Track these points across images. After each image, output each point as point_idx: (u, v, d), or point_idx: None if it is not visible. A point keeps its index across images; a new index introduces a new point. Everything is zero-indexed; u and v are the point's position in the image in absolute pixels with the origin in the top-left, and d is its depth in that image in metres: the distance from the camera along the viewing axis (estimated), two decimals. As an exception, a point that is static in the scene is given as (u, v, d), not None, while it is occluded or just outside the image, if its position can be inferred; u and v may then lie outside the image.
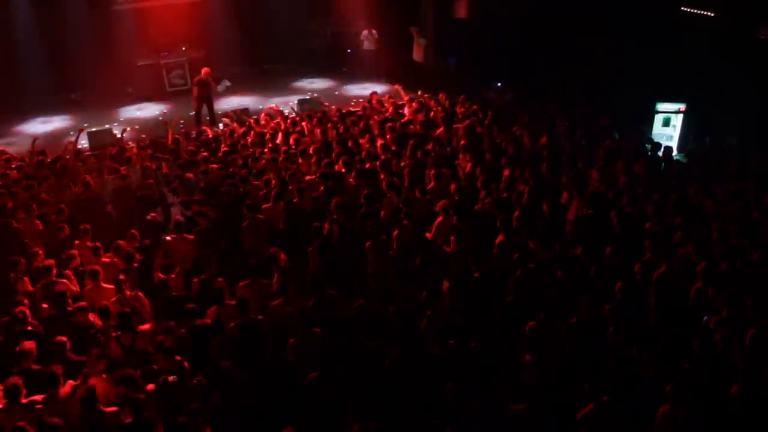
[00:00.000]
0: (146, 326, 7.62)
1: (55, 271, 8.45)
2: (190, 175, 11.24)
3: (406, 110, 14.26)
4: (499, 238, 8.65)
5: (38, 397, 6.34)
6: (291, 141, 12.66)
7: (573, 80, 14.78)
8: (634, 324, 6.92)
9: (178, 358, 6.82)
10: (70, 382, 6.57)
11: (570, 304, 7.27)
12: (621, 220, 8.91)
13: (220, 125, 15.67)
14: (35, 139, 13.01)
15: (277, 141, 12.86)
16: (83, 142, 14.48)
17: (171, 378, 6.60)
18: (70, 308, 7.75)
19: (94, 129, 15.79)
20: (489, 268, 8.06)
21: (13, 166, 12.37)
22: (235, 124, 14.63)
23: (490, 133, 12.34)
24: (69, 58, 18.94)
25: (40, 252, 8.93)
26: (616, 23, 14.90)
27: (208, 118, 16.62)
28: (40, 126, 17.12)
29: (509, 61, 16.83)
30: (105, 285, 8.37)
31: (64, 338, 7.14)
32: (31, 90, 18.67)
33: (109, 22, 19.37)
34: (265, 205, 9.94)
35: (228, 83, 19.84)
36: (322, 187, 10.33)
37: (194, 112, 16.66)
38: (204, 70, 16.60)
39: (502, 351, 6.86)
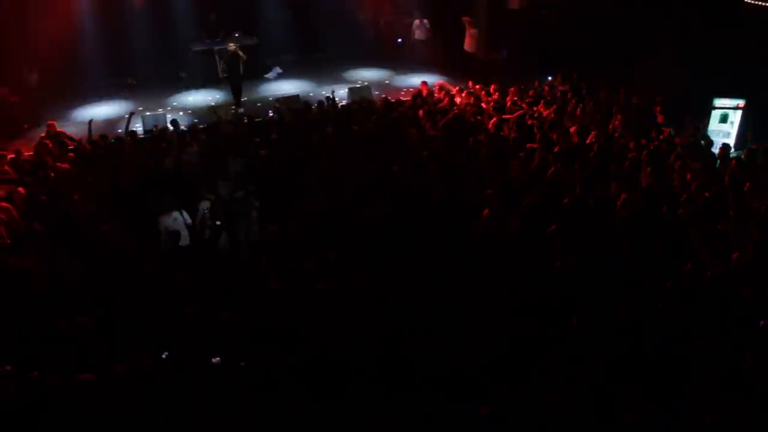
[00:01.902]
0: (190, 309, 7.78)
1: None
2: (239, 160, 11.39)
3: (457, 101, 14.18)
4: (551, 228, 8.56)
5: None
6: (339, 129, 12.70)
7: (628, 73, 14.50)
8: (682, 325, 6.78)
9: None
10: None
11: (615, 300, 7.17)
12: (671, 218, 8.73)
13: (270, 113, 15.80)
14: (91, 121, 13.31)
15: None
16: (137, 126, 14.77)
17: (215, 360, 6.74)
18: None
19: (148, 113, 16.12)
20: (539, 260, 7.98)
21: (70, 147, 12.70)
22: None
23: (541, 126, 12.20)
24: (126, 43, 19.35)
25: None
26: (674, 15, 14.56)
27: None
28: (97, 110, 17.48)
29: (563, 54, 16.58)
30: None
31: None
32: (90, 74, 19.10)
33: (165, 8, 19.72)
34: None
35: (279, 70, 20.05)
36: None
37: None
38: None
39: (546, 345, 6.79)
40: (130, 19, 19.40)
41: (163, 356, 6.86)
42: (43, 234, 9.40)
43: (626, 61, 14.80)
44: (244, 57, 17.06)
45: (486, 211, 9.10)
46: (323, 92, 16.12)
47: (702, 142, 11.51)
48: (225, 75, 17.75)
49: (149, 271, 8.45)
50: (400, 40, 21.17)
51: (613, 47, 15.42)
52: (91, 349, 6.92)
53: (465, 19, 18.75)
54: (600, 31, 16.03)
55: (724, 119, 13.66)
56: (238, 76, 17.09)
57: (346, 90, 17.36)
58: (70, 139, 13.15)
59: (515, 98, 14.06)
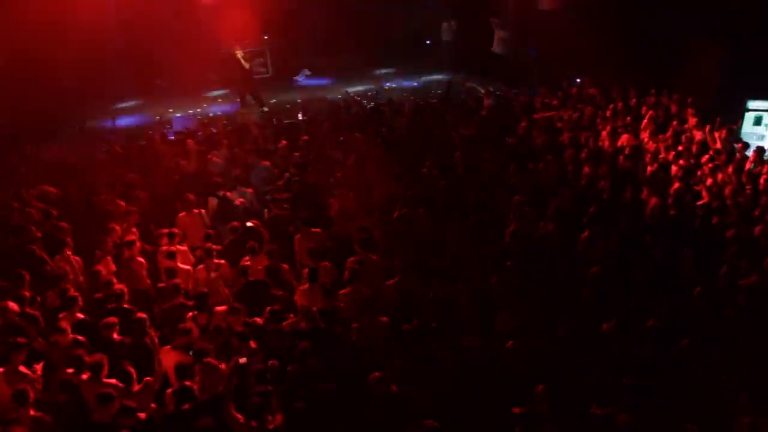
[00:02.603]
0: (222, 308, 7.82)
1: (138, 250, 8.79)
2: (266, 162, 11.44)
3: (485, 102, 14.13)
4: (584, 235, 8.47)
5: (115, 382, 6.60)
6: (368, 131, 12.70)
7: (659, 76, 14.32)
8: (716, 332, 6.66)
9: (252, 343, 6.98)
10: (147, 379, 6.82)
11: (648, 306, 7.06)
12: (704, 223, 8.58)
13: (299, 115, 15.85)
14: (115, 122, 13.45)
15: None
16: (167, 127, 14.93)
17: (242, 360, 6.76)
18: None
19: (177, 114, 16.29)
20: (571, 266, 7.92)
21: (104, 149, 12.87)
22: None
23: (570, 128, 12.10)
24: (157, 44, 19.55)
25: (118, 229, 9.29)
26: (706, 15, 14.34)
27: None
28: (128, 110, 17.68)
29: (593, 55, 16.44)
30: (182, 265, 8.66)
31: (144, 314, 7.41)
32: (120, 75, 19.33)
33: (194, 10, 19.90)
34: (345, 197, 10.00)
35: (308, 72, 20.12)
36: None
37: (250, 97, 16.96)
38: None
39: (576, 349, 6.72)
40: (159, 20, 19.60)
41: (190, 353, 6.92)
42: (69, 232, 9.53)
43: (658, 63, 14.61)
44: (248, 65, 17.10)
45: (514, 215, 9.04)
46: (351, 94, 16.13)
47: (736, 145, 11.30)
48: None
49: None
50: (428, 41, 21.12)
51: (644, 49, 15.24)
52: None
53: (493, 20, 18.65)
54: (631, 33, 15.85)
55: (758, 122, 13.39)
56: (251, 81, 17.11)
57: (374, 92, 17.37)
58: (103, 139, 13.34)
59: (544, 100, 13.97)
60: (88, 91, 18.25)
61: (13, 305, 7.66)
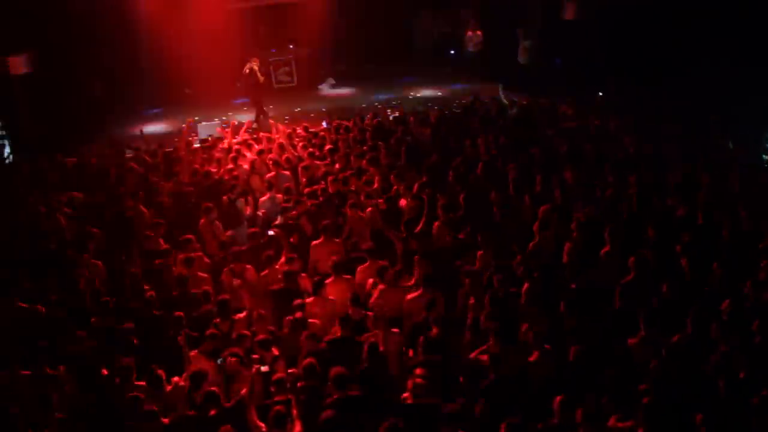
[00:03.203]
0: (242, 314, 7.88)
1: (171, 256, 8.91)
2: (286, 172, 11.50)
3: (509, 112, 14.11)
4: (605, 249, 8.40)
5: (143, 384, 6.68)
6: (392, 141, 12.72)
7: (684, 83, 14.21)
8: (743, 345, 6.57)
9: (275, 350, 7.03)
10: (175, 379, 6.87)
11: (674, 319, 6.99)
12: (732, 235, 8.47)
13: (324, 123, 15.91)
14: (141, 130, 13.60)
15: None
16: (194, 135, 15.09)
17: (264, 368, 6.81)
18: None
19: (204, 122, 16.46)
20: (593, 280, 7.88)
21: (128, 156, 13.04)
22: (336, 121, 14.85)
23: (593, 139, 12.04)
24: (184, 53, 19.80)
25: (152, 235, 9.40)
26: (731, 23, 14.23)
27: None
28: (155, 118, 17.89)
29: (617, 64, 16.39)
30: (201, 274, 8.75)
31: (181, 313, 7.51)
32: (149, 83, 19.60)
33: (222, 21, 20.13)
34: (368, 207, 10.02)
35: (333, 81, 20.24)
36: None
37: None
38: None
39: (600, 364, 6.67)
40: (188, 30, 19.85)
41: (218, 362, 6.98)
42: (100, 237, 9.68)
43: (682, 71, 14.50)
44: (262, 78, 17.21)
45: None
46: (375, 104, 16.17)
47: (765, 155, 11.18)
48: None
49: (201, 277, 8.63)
50: (453, 51, 21.15)
51: (668, 56, 15.15)
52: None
53: (518, 30, 18.63)
54: (655, 41, 15.79)
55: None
56: (259, 93, 17.22)
57: (399, 101, 17.43)
58: (130, 147, 13.53)
59: (569, 109, 13.92)
60: (118, 98, 18.57)
61: (41, 308, 7.81)
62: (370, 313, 7.72)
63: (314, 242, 9.29)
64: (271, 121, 15.91)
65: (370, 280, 8.33)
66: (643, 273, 7.75)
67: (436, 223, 9.21)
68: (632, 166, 10.74)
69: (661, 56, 15.42)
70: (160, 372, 6.69)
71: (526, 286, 7.72)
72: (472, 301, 7.69)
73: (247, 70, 16.91)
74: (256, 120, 16.94)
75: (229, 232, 9.81)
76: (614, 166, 10.66)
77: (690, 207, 9.18)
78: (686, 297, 7.34)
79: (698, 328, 6.75)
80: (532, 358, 6.72)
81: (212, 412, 6.17)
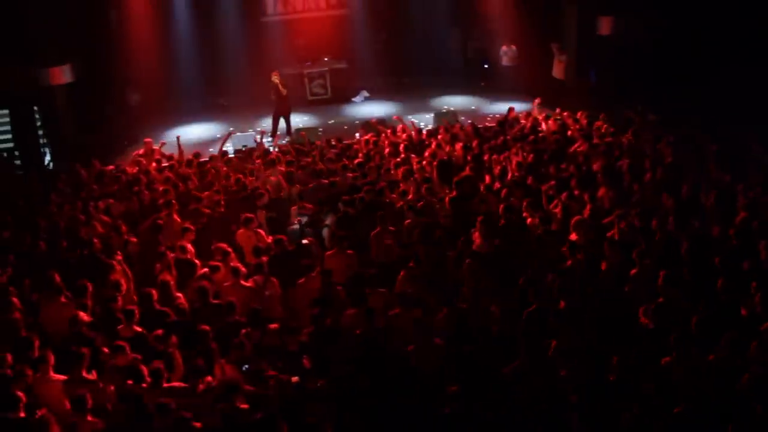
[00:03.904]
0: (275, 325, 7.91)
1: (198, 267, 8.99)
2: (324, 181, 11.58)
3: (543, 127, 14.03)
4: (633, 271, 8.28)
5: (177, 384, 6.74)
6: (426, 154, 12.73)
7: (722, 101, 14.02)
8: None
9: (306, 362, 7.04)
10: (207, 378, 6.93)
11: (709, 340, 6.88)
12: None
13: (357, 135, 15.99)
14: (179, 137, 13.77)
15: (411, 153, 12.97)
16: (229, 145, 15.26)
17: (294, 378, 6.83)
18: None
19: (238, 133, 16.67)
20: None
21: (164, 164, 13.22)
22: (369, 134, 14.91)
23: (629, 154, 11.91)
24: (220, 64, 20.11)
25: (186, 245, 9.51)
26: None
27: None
28: (190, 128, 18.12)
29: (655, 80, 16.24)
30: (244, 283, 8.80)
31: (207, 327, 7.55)
32: (185, 94, 19.89)
33: (258, 32, 20.43)
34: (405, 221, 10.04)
35: (366, 94, 20.36)
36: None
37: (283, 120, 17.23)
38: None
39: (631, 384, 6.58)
40: (224, 41, 20.15)
41: (244, 369, 7.01)
42: (135, 246, 9.83)
43: (721, 89, 14.31)
44: (285, 91, 17.34)
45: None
46: (408, 117, 16.17)
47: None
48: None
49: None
50: (486, 65, 21.15)
51: (706, 74, 14.98)
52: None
53: (553, 45, 18.57)
54: (693, 57, 15.62)
55: None
56: (286, 106, 17.36)
57: (432, 115, 17.46)
58: (165, 156, 13.71)
59: (603, 125, 13.81)
60: (154, 108, 18.88)
61: (83, 315, 7.93)
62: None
63: (328, 252, 9.36)
64: (303, 133, 16.06)
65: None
66: (676, 292, 7.64)
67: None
68: (667, 183, 10.63)
69: (698, 70, 15.23)
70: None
71: (562, 304, 7.67)
72: (497, 313, 7.68)
73: (277, 84, 17.14)
74: (287, 129, 17.08)
75: (269, 239, 9.89)
76: (649, 183, 10.54)
77: (725, 226, 9.02)
78: (722, 317, 7.22)
79: (735, 348, 6.62)
80: (562, 374, 6.66)
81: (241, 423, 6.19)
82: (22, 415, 6.34)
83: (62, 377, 6.99)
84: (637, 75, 16.98)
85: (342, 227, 9.96)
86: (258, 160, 13.00)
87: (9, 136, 16.26)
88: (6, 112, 16.23)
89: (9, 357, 7.07)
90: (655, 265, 8.15)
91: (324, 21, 20.92)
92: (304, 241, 9.78)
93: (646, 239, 8.86)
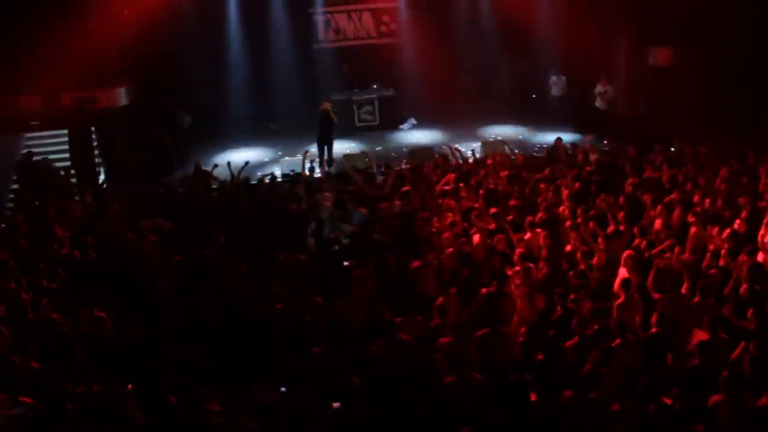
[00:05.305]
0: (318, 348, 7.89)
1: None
2: (363, 210, 11.63)
3: (592, 158, 13.87)
4: (684, 306, 8.10)
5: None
6: (472, 182, 12.67)
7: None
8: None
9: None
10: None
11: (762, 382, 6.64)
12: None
13: (403, 164, 16.00)
14: (229, 163, 14.01)
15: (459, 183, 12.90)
16: (276, 170, 15.45)
17: (336, 404, 6.78)
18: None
19: (287, 158, 16.89)
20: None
21: (215, 186, 13.44)
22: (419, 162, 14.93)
23: (681, 188, 11.68)
24: (271, 89, 20.46)
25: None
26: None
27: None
28: (239, 152, 18.38)
29: (706, 112, 15.99)
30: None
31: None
32: (236, 118, 20.27)
33: (309, 59, 20.76)
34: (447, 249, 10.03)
35: (414, 122, 20.44)
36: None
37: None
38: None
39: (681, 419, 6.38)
40: (275, 67, 20.52)
41: (282, 390, 7.00)
42: (179, 265, 9.96)
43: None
44: (335, 119, 17.47)
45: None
46: (457, 145, 16.16)
47: None
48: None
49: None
50: (534, 95, 21.07)
51: (758, 105, 14.67)
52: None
53: (601, 76, 18.38)
54: (748, 89, 15.33)
55: None
56: (330, 134, 17.46)
57: (479, 144, 17.43)
58: (215, 178, 13.94)
59: (654, 157, 13.59)
60: (205, 130, 19.28)
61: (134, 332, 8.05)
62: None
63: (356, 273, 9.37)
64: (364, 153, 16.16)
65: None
66: (721, 331, 7.44)
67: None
68: (720, 218, 10.40)
69: (750, 101, 14.94)
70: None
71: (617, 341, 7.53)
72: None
73: (329, 111, 17.36)
74: (329, 158, 17.19)
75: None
76: (701, 217, 10.31)
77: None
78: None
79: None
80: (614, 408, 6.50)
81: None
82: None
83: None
84: (690, 106, 16.73)
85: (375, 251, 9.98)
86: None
87: (66, 155, 16.75)
88: (65, 132, 16.76)
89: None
90: (707, 300, 7.96)
91: (374, 49, 21.20)
92: (346, 263, 9.82)
93: (696, 274, 8.64)
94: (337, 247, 10.36)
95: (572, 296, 8.41)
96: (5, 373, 7.22)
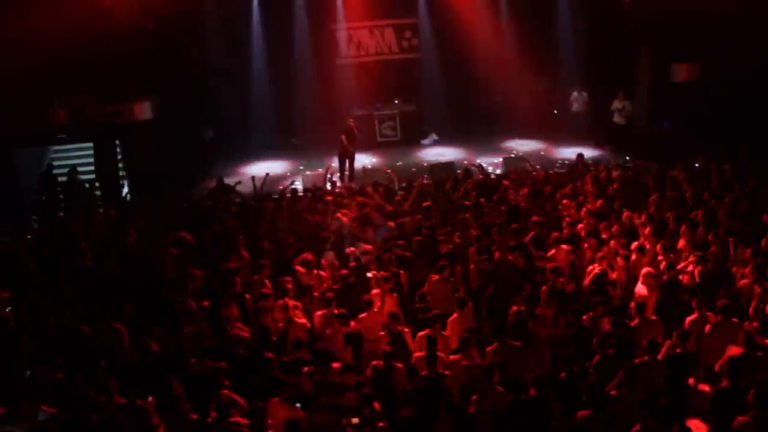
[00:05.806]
0: (337, 364, 7.91)
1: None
2: (391, 223, 11.65)
3: (613, 175, 13.78)
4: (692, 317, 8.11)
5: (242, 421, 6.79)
6: (495, 198, 12.65)
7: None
8: None
9: (376, 405, 7.00)
10: None
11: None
12: None
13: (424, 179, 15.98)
14: (254, 177, 14.10)
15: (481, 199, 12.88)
16: (298, 184, 15.52)
17: (354, 420, 6.79)
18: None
19: (308, 172, 16.98)
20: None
21: (236, 200, 13.54)
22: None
23: (705, 206, 11.58)
24: (293, 104, 20.62)
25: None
26: None
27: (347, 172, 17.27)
28: (261, 165, 18.50)
29: (729, 129, 15.87)
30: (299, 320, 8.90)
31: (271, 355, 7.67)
32: (258, 132, 20.43)
33: (331, 74, 20.88)
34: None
35: (435, 137, 20.48)
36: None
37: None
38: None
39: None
40: (297, 82, 20.68)
41: (297, 406, 7.01)
42: (199, 279, 10.01)
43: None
44: (357, 136, 17.56)
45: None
46: (477, 161, 16.15)
47: None
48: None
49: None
50: (556, 111, 21.02)
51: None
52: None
53: (619, 91, 18.32)
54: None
55: None
56: (353, 151, 17.52)
57: (501, 159, 17.41)
58: (235, 192, 14.05)
59: (677, 174, 13.50)
60: (227, 144, 19.45)
61: (154, 345, 8.11)
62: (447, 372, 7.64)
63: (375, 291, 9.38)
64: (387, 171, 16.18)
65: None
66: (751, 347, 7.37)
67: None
68: (745, 234, 10.30)
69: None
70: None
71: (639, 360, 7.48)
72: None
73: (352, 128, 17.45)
74: (350, 173, 17.25)
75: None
76: (724, 234, 10.21)
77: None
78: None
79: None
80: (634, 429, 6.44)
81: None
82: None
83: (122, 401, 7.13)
84: (713, 122, 16.61)
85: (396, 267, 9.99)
86: (328, 198, 13.09)
87: (91, 167, 16.96)
88: (90, 145, 16.98)
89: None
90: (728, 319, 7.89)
91: (396, 64, 21.30)
92: (369, 275, 9.84)
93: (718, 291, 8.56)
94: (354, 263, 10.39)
95: (591, 313, 8.38)
96: (29, 383, 7.33)
